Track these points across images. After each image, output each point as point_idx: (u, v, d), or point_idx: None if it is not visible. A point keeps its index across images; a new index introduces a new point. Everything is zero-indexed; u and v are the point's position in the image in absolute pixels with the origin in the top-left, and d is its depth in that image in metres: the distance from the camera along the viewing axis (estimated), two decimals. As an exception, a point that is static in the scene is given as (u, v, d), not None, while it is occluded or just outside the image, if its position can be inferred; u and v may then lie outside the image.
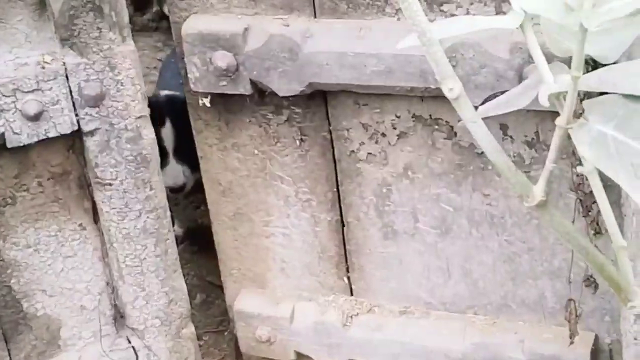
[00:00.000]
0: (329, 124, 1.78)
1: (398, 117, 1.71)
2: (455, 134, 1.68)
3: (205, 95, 1.76)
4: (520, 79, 1.47)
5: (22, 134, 1.58)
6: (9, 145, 1.59)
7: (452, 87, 0.77)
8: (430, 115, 1.68)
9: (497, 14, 1.53)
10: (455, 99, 0.75)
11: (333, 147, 1.81)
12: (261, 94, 1.75)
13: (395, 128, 1.72)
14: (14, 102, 1.56)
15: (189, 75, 1.74)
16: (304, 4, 1.66)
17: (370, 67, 1.60)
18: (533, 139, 1.61)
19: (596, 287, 1.68)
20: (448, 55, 0.77)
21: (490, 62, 1.50)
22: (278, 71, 1.67)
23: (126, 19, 1.64)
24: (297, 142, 1.82)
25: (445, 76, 0.76)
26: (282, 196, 1.91)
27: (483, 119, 0.80)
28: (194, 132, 1.91)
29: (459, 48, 1.50)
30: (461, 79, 0.79)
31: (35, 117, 1.57)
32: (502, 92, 1.09)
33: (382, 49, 1.59)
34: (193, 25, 1.70)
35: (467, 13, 1.57)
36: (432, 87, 1.57)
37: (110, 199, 1.73)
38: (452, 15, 1.56)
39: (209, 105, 1.78)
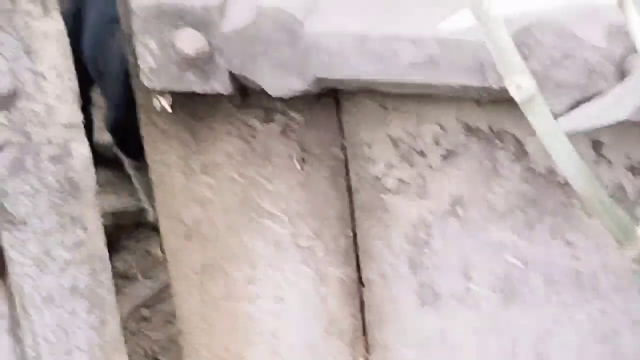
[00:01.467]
0: (343, 137, 1.79)
1: (443, 128, 1.71)
2: (527, 154, 1.68)
3: (163, 94, 1.77)
4: (623, 75, 1.47)
5: None
6: None
7: (521, 85, 0.77)
8: (490, 127, 1.67)
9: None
10: (526, 103, 0.75)
11: (348, 171, 1.81)
12: (245, 94, 1.76)
13: (438, 144, 1.72)
14: None
15: (140, 65, 1.73)
16: None
17: (404, 57, 1.59)
18: (641, 162, 1.62)
19: None
20: (517, 41, 0.77)
21: (579, 50, 1.50)
22: (270, 60, 1.67)
23: None
24: (297, 163, 1.82)
25: (511, 70, 0.76)
26: (273, 241, 1.90)
27: (568, 133, 0.80)
28: (145, 146, 1.91)
29: (534, 30, 1.50)
30: (536, 75, 0.78)
31: None
32: (596, 95, 1.10)
33: (422, 30, 1.59)
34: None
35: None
36: (495, 86, 1.56)
37: (24, 244, 1.74)
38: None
39: (169, 109, 1.79)
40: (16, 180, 1.69)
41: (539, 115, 0.75)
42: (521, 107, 0.76)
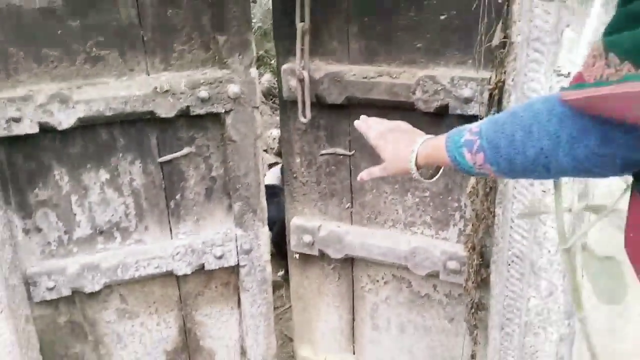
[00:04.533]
0: (352, 273, 1.95)
1: (385, 274, 1.90)
2: (412, 285, 1.85)
3: (297, 253, 1.97)
4: None
5: (212, 264, 1.88)
6: (206, 269, 1.88)
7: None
8: (400, 275, 1.86)
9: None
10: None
11: (353, 284, 1.97)
12: (323, 255, 1.92)
13: (383, 278, 1.91)
14: (211, 250, 1.86)
15: (291, 242, 1.92)
16: (347, 218, 1.88)
17: (375, 251, 1.82)
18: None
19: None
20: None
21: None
22: (333, 247, 1.87)
23: (265, 215, 1.89)
24: (337, 279, 1.98)
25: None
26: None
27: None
28: (290, 268, 2.03)
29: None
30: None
31: (220, 257, 1.88)
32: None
33: (383, 244, 1.80)
34: (295, 222, 1.92)
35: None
36: (403, 263, 1.77)
37: (247, 297, 1.97)
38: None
39: (298, 258, 1.99)
40: (248, 277, 1.89)
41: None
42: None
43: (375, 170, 1.05)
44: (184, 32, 1.68)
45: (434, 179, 1.01)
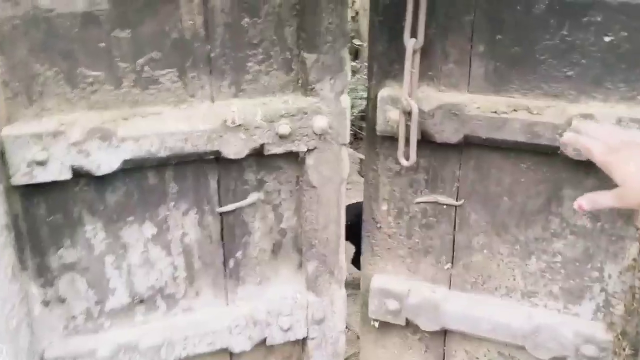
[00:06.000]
0: (444, 346, 1.69)
1: (489, 351, 1.64)
2: None
3: (376, 320, 1.70)
4: None
5: (276, 338, 1.57)
6: (268, 344, 1.57)
7: None
8: (509, 354, 1.61)
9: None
10: None
11: (444, 358, 1.72)
12: (409, 324, 1.66)
13: (485, 356, 1.65)
14: (276, 321, 1.55)
15: (370, 307, 1.65)
16: (444, 281, 1.62)
17: (482, 325, 1.56)
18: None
19: None
20: None
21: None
22: (426, 317, 1.60)
23: (344, 276, 1.61)
24: (423, 351, 1.71)
25: None
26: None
27: None
28: (361, 333, 1.79)
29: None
30: None
31: (287, 330, 1.57)
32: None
33: (493, 317, 1.54)
34: (376, 283, 1.64)
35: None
36: (519, 343, 1.53)
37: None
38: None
39: (377, 326, 1.72)
40: (319, 351, 1.65)
41: None
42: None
43: (603, 199, 0.82)
44: (261, 48, 1.32)
45: None
